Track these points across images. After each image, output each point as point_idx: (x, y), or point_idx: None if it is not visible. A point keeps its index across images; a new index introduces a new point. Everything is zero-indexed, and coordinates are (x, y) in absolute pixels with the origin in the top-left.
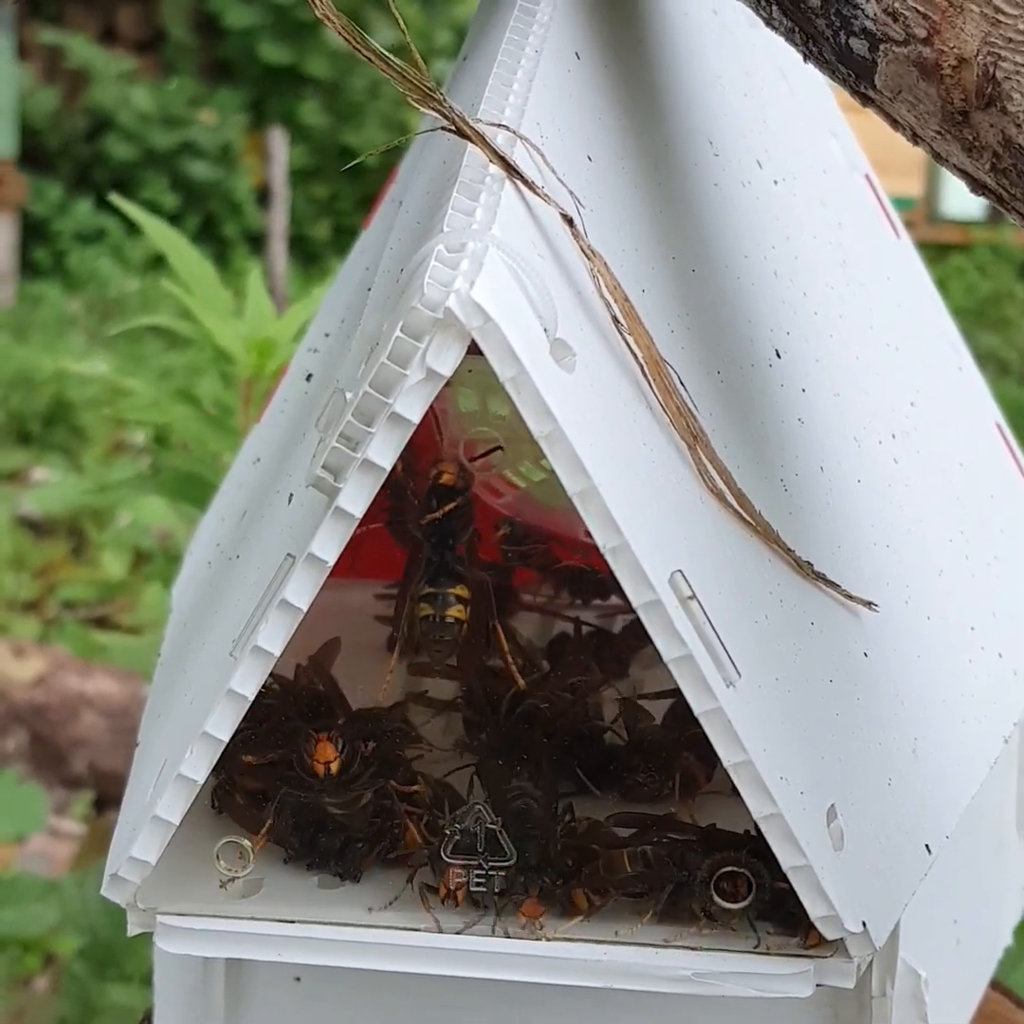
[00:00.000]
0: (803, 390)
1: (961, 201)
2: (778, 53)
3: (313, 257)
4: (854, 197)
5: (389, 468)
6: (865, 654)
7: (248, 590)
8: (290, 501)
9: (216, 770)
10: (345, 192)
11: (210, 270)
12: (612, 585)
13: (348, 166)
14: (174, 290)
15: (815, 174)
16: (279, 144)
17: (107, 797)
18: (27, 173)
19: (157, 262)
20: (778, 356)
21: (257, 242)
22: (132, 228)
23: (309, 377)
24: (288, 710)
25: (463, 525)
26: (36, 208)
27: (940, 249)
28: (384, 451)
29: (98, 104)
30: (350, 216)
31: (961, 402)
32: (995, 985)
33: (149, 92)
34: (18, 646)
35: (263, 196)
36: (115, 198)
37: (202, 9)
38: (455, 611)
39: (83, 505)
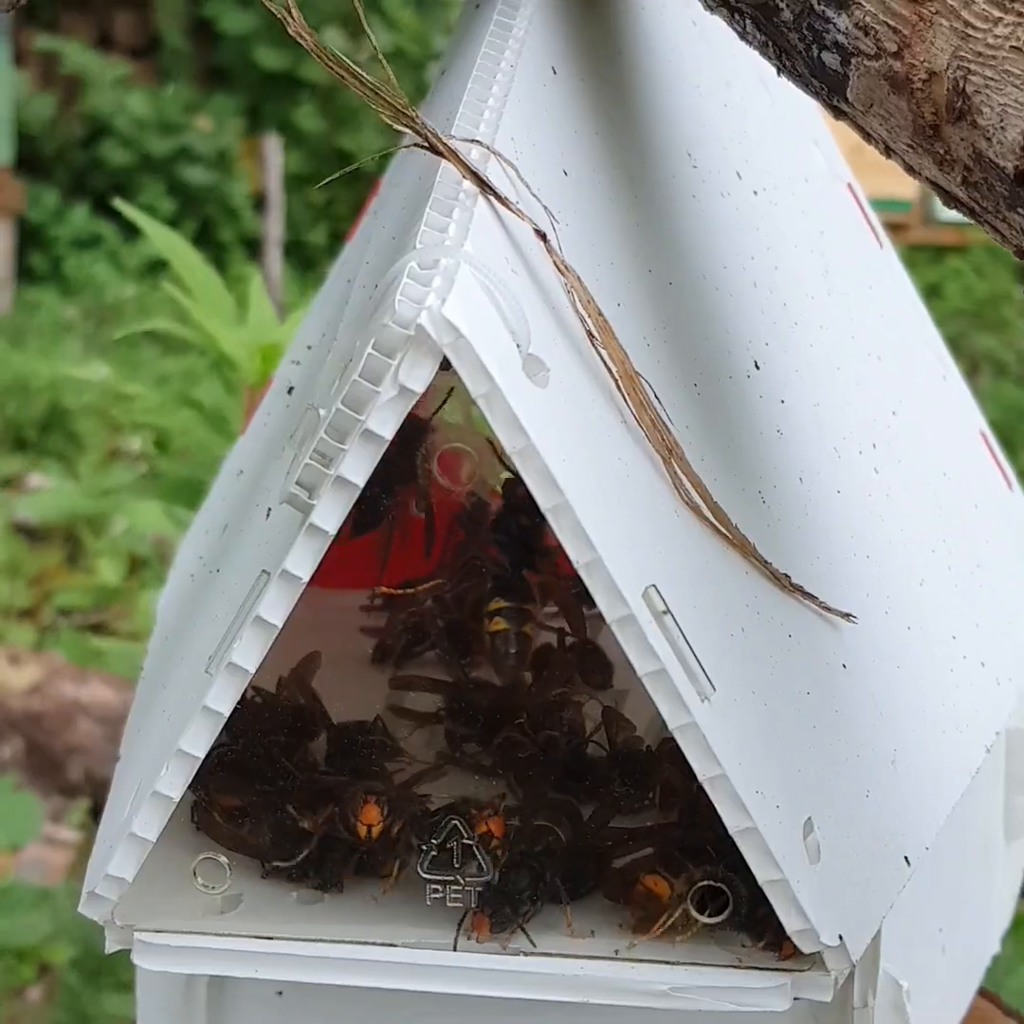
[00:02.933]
0: (782, 401)
1: None
2: (759, 63)
3: (310, 262)
4: (836, 206)
5: (362, 485)
6: (844, 666)
7: (225, 606)
8: (268, 516)
9: (194, 786)
10: (342, 197)
11: (213, 275)
12: None
13: (322, 183)
14: (176, 295)
15: (796, 184)
16: (274, 150)
17: (103, 805)
18: (23, 179)
19: (154, 268)
20: (757, 367)
21: (254, 247)
22: (129, 233)
23: (291, 390)
24: (268, 724)
25: (537, 541)
26: (33, 214)
27: (937, 251)
28: (357, 468)
29: (94, 110)
30: (347, 221)
31: (945, 411)
32: (983, 993)
33: (145, 98)
34: (13, 654)
35: (260, 201)
36: (119, 203)
37: (198, 15)
38: (529, 627)
39: (79, 512)
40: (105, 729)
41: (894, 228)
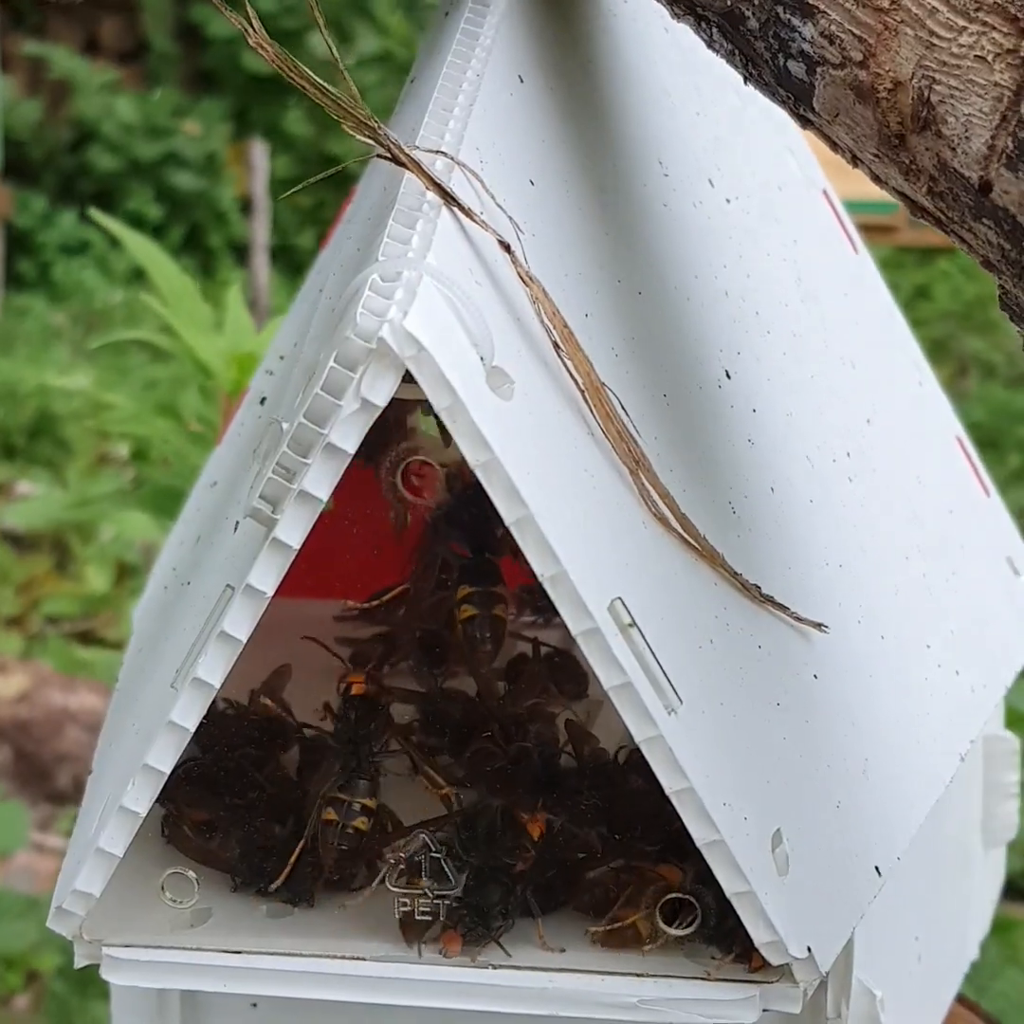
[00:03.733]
0: (754, 411)
1: None
2: (731, 70)
3: (298, 267)
4: (810, 213)
5: (326, 499)
6: (815, 676)
7: (193, 619)
8: (236, 529)
9: (163, 800)
10: (329, 201)
11: (190, 284)
12: None
13: (301, 185)
14: (154, 305)
15: (770, 191)
16: (260, 155)
17: None
18: (11, 185)
19: (142, 273)
20: (728, 376)
21: (242, 252)
22: (116, 239)
23: (263, 400)
24: (239, 737)
25: (492, 523)
26: (20, 220)
27: (925, 252)
28: (320, 482)
29: (82, 115)
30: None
31: (921, 417)
32: (962, 1000)
33: (132, 103)
34: (1, 662)
35: (247, 206)
36: (95, 213)
37: (185, 19)
38: (500, 609)
39: (66, 519)
40: (93, 737)
41: (881, 230)
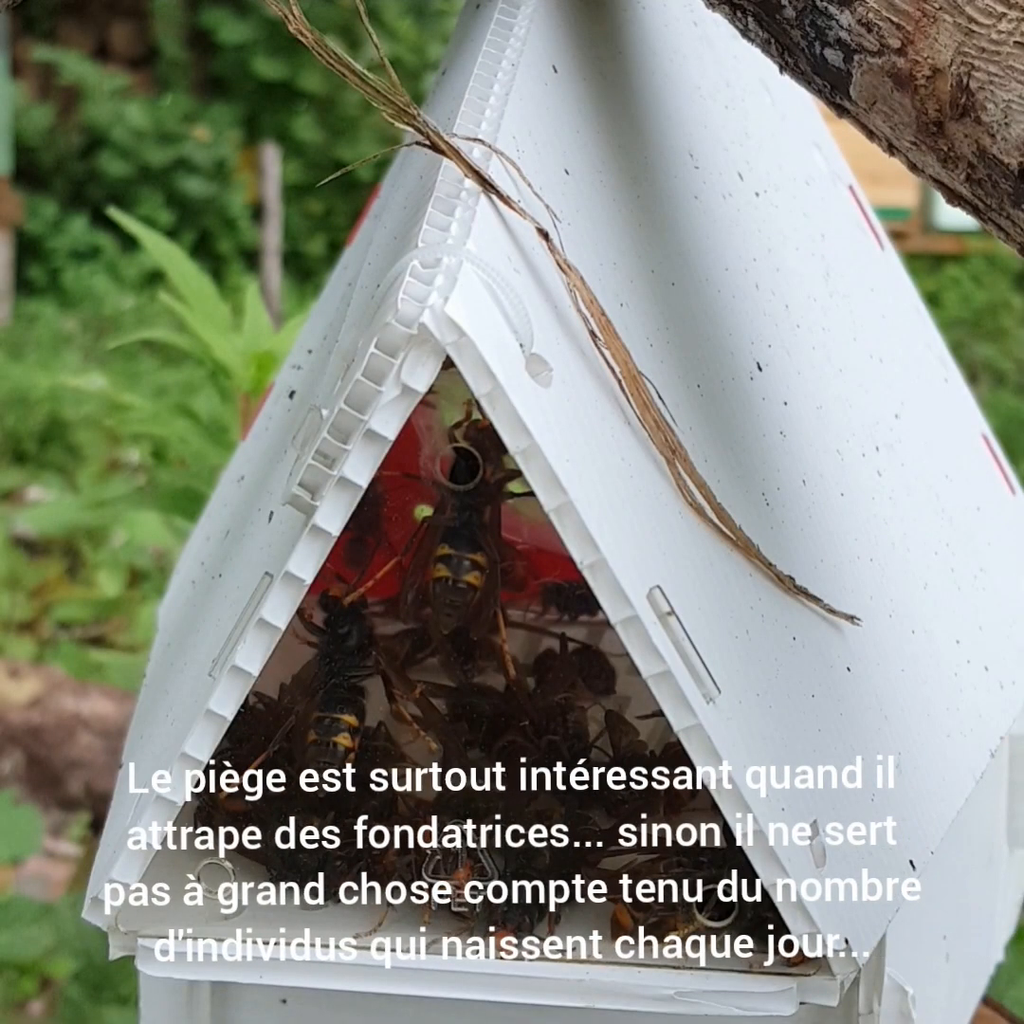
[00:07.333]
0: (785, 403)
1: (956, 211)
2: (760, 64)
3: (308, 273)
4: (837, 208)
5: (365, 485)
6: (848, 669)
7: (228, 609)
8: (270, 519)
9: (197, 791)
10: (339, 207)
11: (208, 283)
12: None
13: (324, 182)
14: (172, 304)
15: (798, 185)
16: (272, 160)
17: (104, 818)
18: (22, 191)
19: (152, 279)
20: (760, 369)
21: (252, 258)
22: (127, 245)
23: (292, 394)
24: (271, 730)
25: (490, 496)
26: (31, 226)
27: (935, 260)
28: (360, 468)
29: (92, 121)
30: (345, 232)
31: (947, 414)
32: (987, 1001)
33: (143, 108)
34: (13, 667)
35: (258, 212)
36: (113, 212)
37: (195, 25)
38: (471, 577)
39: (78, 524)
40: (105, 742)
41: (892, 237)
